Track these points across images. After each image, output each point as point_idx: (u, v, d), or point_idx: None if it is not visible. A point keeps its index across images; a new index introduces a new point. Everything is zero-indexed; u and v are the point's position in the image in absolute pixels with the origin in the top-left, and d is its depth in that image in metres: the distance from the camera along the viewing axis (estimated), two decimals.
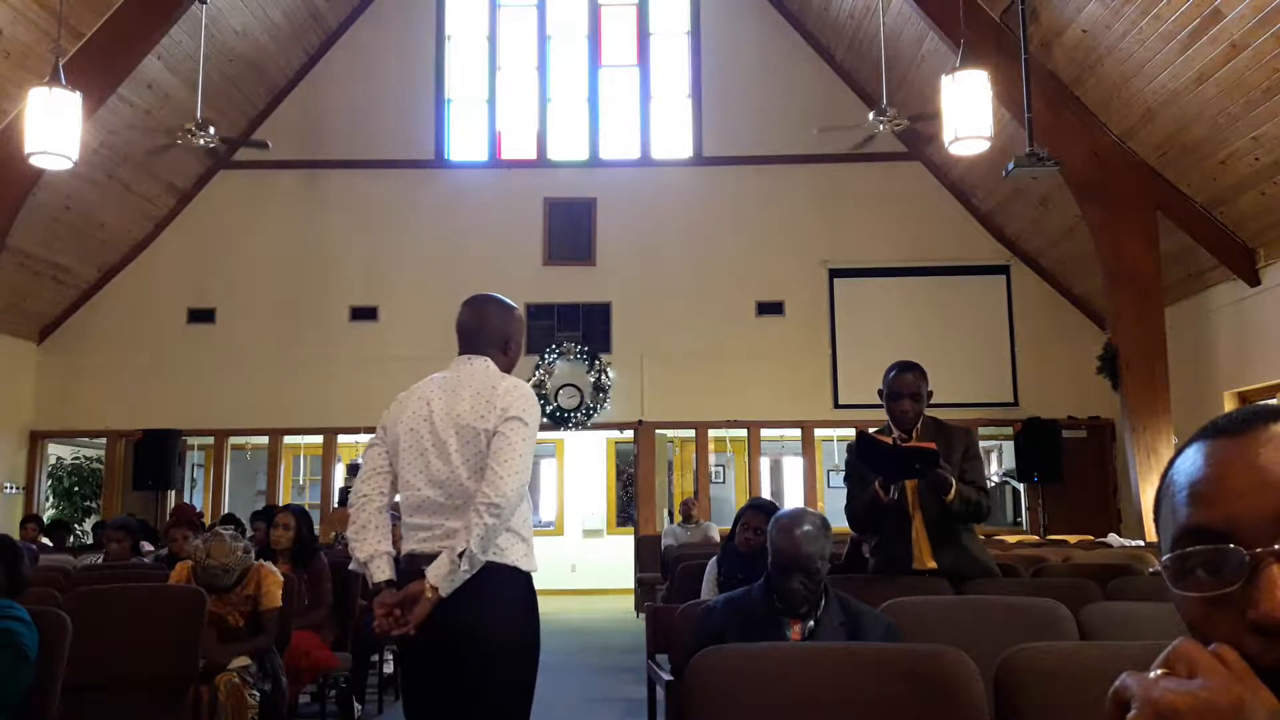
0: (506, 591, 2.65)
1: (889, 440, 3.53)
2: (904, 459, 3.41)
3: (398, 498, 2.84)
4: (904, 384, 3.63)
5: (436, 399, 2.78)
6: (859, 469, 3.62)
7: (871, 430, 3.63)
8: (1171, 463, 0.82)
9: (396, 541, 2.80)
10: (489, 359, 2.86)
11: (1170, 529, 0.79)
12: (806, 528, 2.72)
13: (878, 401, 3.70)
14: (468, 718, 2.66)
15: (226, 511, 9.98)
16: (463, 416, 2.71)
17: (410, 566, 2.68)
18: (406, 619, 2.54)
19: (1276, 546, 0.71)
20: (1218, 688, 0.65)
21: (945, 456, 3.47)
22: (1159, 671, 0.68)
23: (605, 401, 10.87)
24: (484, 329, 2.89)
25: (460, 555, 2.53)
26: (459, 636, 2.59)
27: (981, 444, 5.95)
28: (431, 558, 2.62)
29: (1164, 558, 0.78)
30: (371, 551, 2.69)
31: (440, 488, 2.70)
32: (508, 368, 2.91)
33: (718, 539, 8.71)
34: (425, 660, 2.71)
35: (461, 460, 2.69)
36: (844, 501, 3.76)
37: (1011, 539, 8.61)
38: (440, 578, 2.54)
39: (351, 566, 2.80)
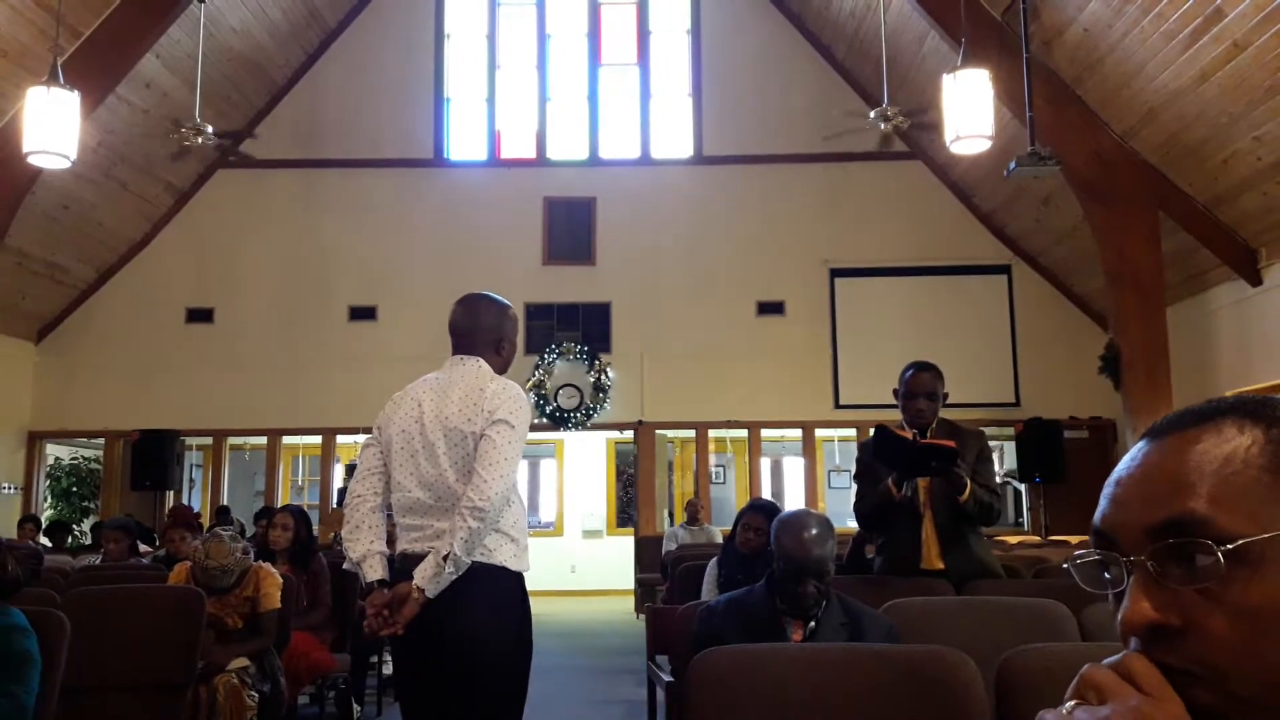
0: (494, 591, 2.67)
1: (908, 435, 3.51)
2: (922, 456, 3.40)
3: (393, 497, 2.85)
4: (920, 384, 3.62)
5: (428, 401, 2.79)
6: (872, 468, 3.61)
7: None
8: None
9: (393, 541, 2.81)
10: (481, 360, 2.85)
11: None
12: (815, 531, 2.70)
13: (879, 401, 3.69)
14: (458, 716, 2.68)
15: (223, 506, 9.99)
16: (451, 419, 2.72)
17: (404, 566, 2.71)
18: (395, 619, 2.57)
19: (1142, 557, 0.72)
20: (1124, 713, 0.67)
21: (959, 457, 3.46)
22: (1072, 704, 0.71)
23: (605, 401, 10.85)
24: (477, 329, 2.89)
25: (445, 558, 2.56)
26: (447, 636, 2.62)
27: None
28: (422, 558, 2.65)
29: (1075, 550, 0.79)
30: (364, 551, 2.72)
31: (429, 489, 2.72)
32: (501, 368, 2.90)
33: (720, 542, 8.68)
34: (416, 660, 2.74)
35: (449, 463, 2.71)
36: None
37: (1013, 540, 8.61)
38: (426, 579, 2.58)
39: (345, 565, 2.82)
